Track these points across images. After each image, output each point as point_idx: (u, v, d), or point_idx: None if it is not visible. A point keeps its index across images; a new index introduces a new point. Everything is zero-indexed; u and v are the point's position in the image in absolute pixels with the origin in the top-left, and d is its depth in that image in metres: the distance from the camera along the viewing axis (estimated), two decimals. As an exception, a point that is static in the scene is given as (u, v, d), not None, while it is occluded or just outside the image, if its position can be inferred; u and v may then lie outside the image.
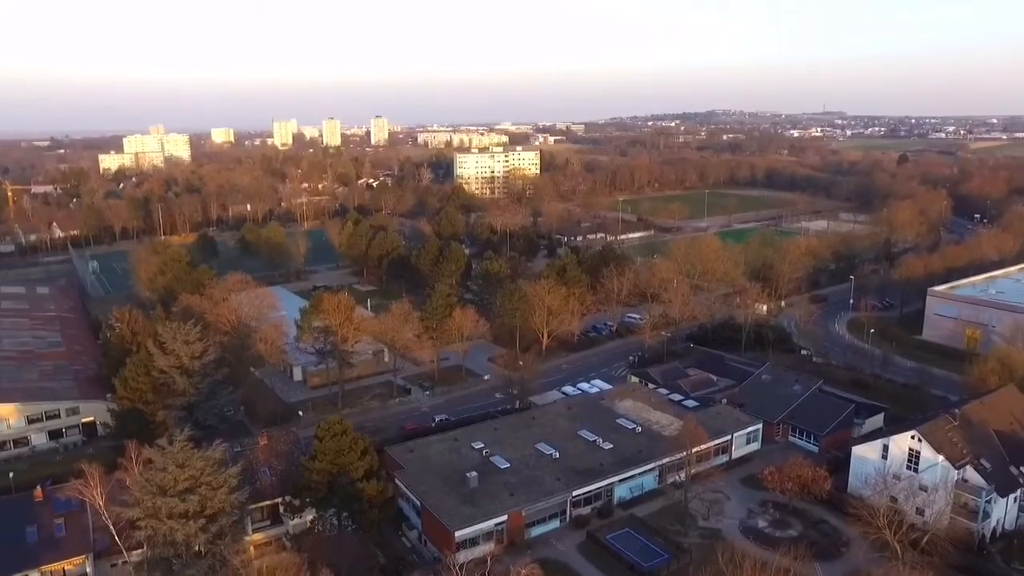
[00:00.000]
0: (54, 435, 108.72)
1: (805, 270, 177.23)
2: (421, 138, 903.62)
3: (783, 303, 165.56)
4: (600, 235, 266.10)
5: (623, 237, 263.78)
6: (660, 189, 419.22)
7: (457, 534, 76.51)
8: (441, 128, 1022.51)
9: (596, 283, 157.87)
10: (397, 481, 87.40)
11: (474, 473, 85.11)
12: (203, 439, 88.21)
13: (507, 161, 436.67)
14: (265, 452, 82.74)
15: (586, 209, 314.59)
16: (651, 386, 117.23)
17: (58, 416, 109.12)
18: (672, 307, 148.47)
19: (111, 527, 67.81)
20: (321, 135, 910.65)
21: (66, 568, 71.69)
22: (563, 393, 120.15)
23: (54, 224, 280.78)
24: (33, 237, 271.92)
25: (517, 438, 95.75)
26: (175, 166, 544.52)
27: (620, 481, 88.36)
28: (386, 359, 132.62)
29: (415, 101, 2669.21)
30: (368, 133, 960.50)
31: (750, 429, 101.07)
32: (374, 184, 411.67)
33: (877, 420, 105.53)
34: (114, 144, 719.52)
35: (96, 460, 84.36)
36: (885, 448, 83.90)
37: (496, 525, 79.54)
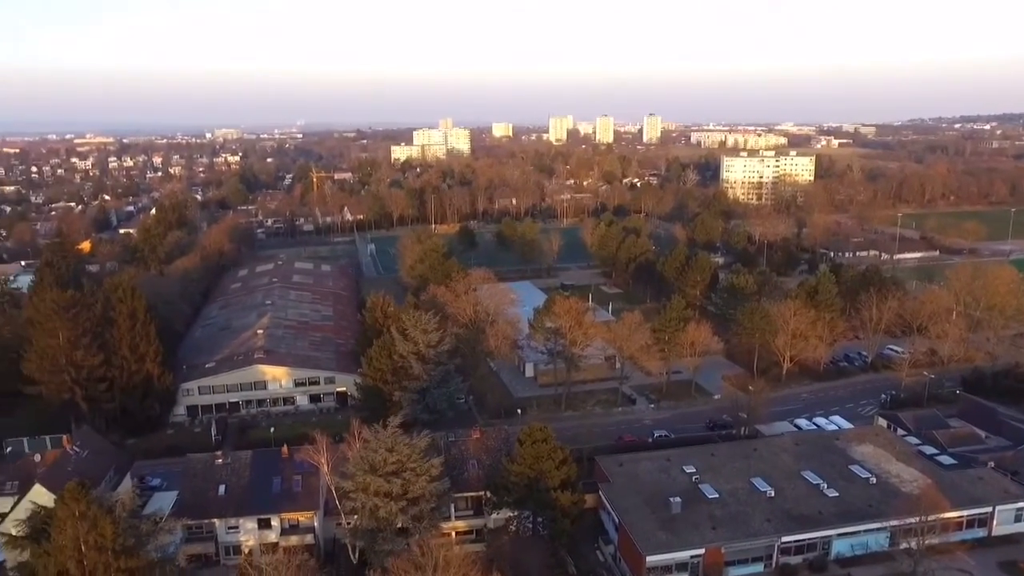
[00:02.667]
0: (314, 399, 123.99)
1: None
2: (694, 137, 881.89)
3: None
4: (872, 252, 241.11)
5: (899, 257, 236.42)
6: (956, 203, 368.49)
7: (649, 559, 74.44)
8: (716, 127, 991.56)
9: (852, 307, 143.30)
10: (601, 493, 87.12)
11: (678, 499, 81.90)
12: (433, 423, 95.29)
13: (778, 166, 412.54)
14: (476, 445, 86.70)
15: (860, 222, 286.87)
16: (900, 432, 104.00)
17: (318, 383, 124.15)
18: (942, 344, 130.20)
19: (333, 492, 75.42)
20: (594, 131, 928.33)
21: (299, 519, 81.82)
22: (795, 426, 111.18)
23: (345, 208, 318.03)
24: (328, 219, 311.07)
25: (732, 468, 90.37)
26: (454, 158, 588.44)
27: (840, 535, 79.86)
28: (616, 366, 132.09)
29: (691, 99, 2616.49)
30: (641, 131, 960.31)
31: (1021, 504, 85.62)
32: (638, 184, 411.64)
33: None
34: (406, 136, 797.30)
35: (342, 428, 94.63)
36: None
37: (692, 557, 76.13)
